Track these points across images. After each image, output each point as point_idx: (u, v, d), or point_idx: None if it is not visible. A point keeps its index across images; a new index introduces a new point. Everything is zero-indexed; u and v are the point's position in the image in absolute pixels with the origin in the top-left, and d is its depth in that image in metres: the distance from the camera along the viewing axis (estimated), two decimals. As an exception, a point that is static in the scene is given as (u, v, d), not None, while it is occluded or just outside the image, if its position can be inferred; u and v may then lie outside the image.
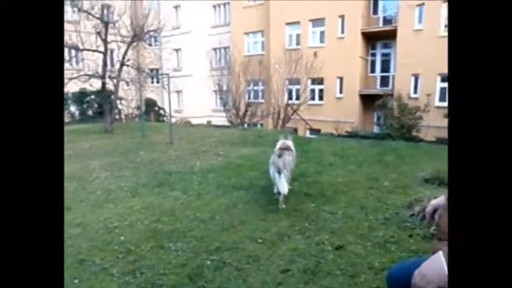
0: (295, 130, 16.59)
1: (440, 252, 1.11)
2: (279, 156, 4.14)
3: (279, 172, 3.95)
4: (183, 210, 4.15)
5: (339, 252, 2.99)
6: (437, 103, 14.42)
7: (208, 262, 2.87)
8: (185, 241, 3.27)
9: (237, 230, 3.48)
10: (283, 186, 3.95)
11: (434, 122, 12.47)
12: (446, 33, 14.38)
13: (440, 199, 1.61)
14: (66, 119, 18.06)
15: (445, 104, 14.55)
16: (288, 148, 4.53)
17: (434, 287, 1.08)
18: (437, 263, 1.10)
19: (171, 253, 3.06)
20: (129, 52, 13.97)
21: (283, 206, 4.03)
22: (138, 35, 13.39)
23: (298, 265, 2.77)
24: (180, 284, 2.60)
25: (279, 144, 4.69)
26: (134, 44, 14.11)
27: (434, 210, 1.58)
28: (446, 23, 14.54)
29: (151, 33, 16.39)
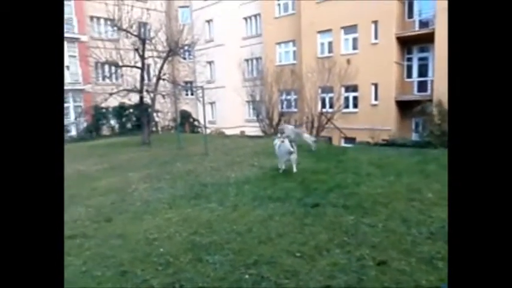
0: (330, 139, 16.31)
1: None
2: (283, 141, 6.21)
3: (291, 153, 6.14)
4: (219, 222, 4.17)
5: (382, 268, 2.86)
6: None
7: (247, 276, 2.84)
8: (223, 254, 3.28)
9: (274, 243, 3.44)
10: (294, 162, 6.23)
11: (479, 128, 11.78)
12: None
13: None
14: (107, 132, 18.95)
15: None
16: (285, 137, 6.74)
17: None
18: None
19: (209, 266, 3.07)
20: (165, 66, 14.52)
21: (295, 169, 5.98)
22: (173, 50, 13.90)
23: (339, 281, 2.68)
24: (219, 298, 2.59)
25: (280, 136, 7.02)
26: (170, 58, 14.67)
27: None
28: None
29: (186, 48, 16.93)
